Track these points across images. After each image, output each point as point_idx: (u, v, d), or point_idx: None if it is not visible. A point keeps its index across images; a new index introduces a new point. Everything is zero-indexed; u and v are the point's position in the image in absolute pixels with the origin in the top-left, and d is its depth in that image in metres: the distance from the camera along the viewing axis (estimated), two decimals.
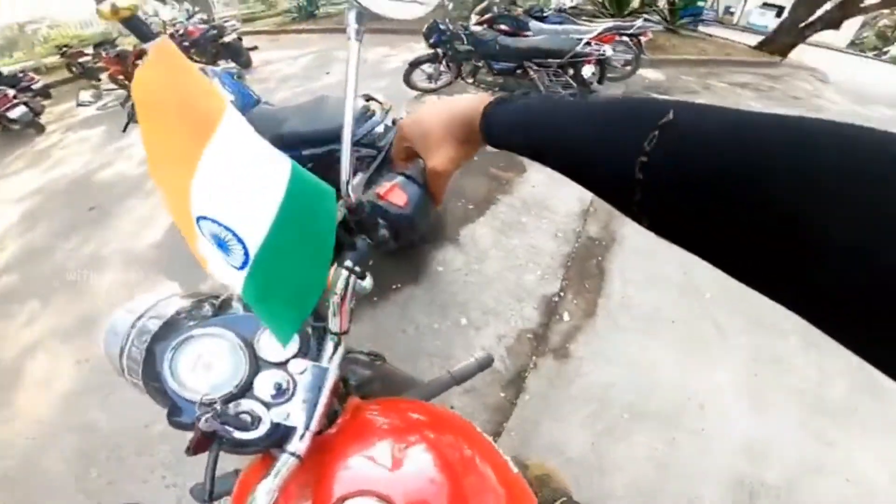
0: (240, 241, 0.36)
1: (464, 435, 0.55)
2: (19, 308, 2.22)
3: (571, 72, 3.48)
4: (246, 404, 0.47)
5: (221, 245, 0.37)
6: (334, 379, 0.49)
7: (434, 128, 0.46)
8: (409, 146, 0.50)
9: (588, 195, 2.87)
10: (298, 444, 0.46)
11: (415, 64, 4.20)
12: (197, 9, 7.64)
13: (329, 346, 0.51)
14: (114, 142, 4.11)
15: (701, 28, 12.56)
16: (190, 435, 0.44)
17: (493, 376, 1.81)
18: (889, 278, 0.16)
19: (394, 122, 1.76)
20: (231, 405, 0.46)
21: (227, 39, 6.21)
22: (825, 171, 0.19)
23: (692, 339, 1.99)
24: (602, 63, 4.23)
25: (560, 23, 5.22)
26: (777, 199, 0.20)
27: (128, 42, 6.25)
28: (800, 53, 10.59)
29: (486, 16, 4.84)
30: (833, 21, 8.69)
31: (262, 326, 0.50)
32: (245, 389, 0.48)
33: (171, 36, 5.89)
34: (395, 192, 0.51)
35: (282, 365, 0.49)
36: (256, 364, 0.49)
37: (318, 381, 0.48)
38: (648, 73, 5.99)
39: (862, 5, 8.53)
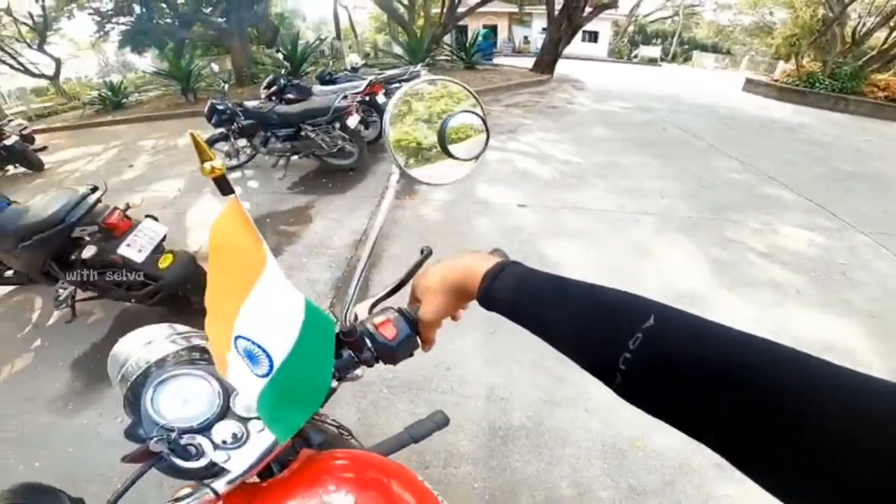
0: (268, 355, 0.45)
1: (405, 484, 0.59)
2: None
3: (338, 125, 4.05)
4: (198, 439, 0.52)
5: (251, 357, 0.46)
6: (284, 444, 0.56)
7: (433, 282, 0.54)
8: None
9: (361, 226, 3.41)
10: (222, 484, 0.51)
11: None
12: None
13: None
14: None
15: (496, 60, 14.83)
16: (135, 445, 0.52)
17: None
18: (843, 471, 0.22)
19: (99, 200, 2.16)
20: (186, 436, 0.52)
21: (7, 142, 5.55)
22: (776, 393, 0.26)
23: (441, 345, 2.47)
24: (379, 111, 4.97)
25: (349, 81, 5.90)
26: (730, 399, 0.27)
27: None
28: (570, 67, 13.04)
29: (273, 88, 5.32)
30: (569, 34, 10.95)
31: None
32: (205, 429, 0.54)
33: None
34: (387, 327, 0.59)
35: (245, 420, 0.55)
36: (224, 413, 0.55)
37: (272, 441, 0.54)
38: None
39: (583, 16, 10.88)
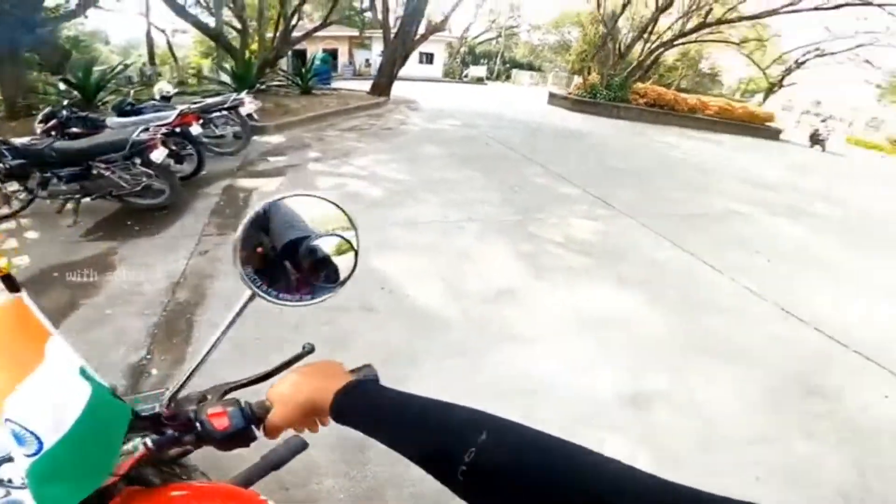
0: (38, 439, 0.45)
1: None
2: None
3: (139, 160, 3.66)
4: None
5: (18, 438, 0.47)
6: None
7: (284, 395, 0.55)
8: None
9: (179, 269, 3.13)
10: None
11: None
12: None
13: None
14: None
15: (335, 84, 14.89)
16: None
17: None
18: None
19: None
20: None
21: None
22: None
23: (278, 347, 2.41)
24: (194, 143, 4.62)
25: (158, 111, 5.32)
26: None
27: None
28: (408, 88, 13.78)
29: (52, 121, 4.54)
30: (402, 57, 11.70)
31: None
32: None
33: None
34: (221, 418, 0.56)
35: (11, 485, 0.52)
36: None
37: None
38: (272, 139, 6.74)
39: (415, 39, 11.73)
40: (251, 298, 0.53)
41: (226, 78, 10.25)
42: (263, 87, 10.08)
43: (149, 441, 0.59)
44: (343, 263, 0.53)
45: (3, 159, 3.55)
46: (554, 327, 2.73)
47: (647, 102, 12.79)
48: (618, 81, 12.98)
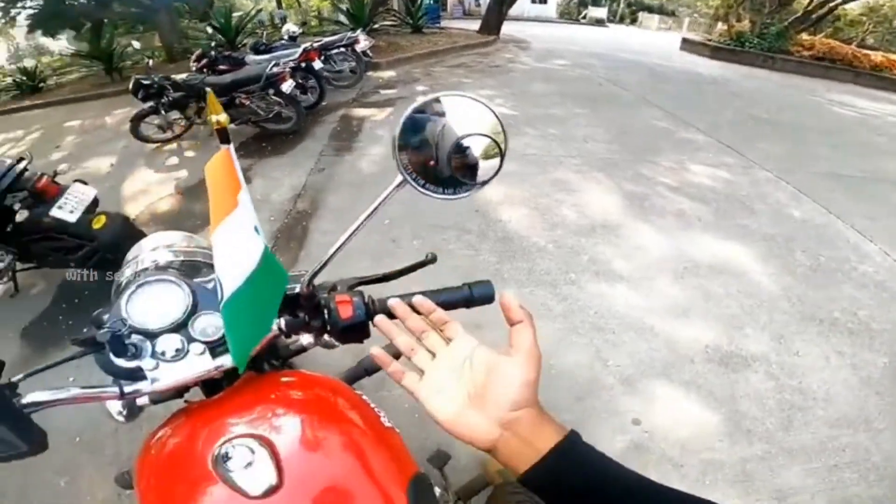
0: (220, 286, 0.49)
1: (341, 395, 0.64)
2: None
3: (272, 91, 4.10)
4: (145, 343, 0.55)
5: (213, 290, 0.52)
6: (209, 373, 0.57)
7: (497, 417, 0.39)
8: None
9: (301, 182, 3.52)
10: (132, 388, 0.54)
11: (137, 119, 4.36)
12: None
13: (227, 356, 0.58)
14: None
15: (444, 23, 14.59)
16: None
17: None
18: None
19: (26, 169, 2.13)
20: (134, 336, 0.55)
21: None
22: None
23: (377, 256, 2.54)
24: (316, 76, 4.99)
25: (286, 49, 5.81)
26: None
27: None
28: (518, 29, 13.05)
29: (203, 61, 5.26)
30: None
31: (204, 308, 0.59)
32: (154, 336, 0.56)
33: None
34: (346, 307, 0.60)
35: (192, 340, 0.57)
36: (179, 327, 0.57)
37: (204, 367, 0.56)
38: (383, 73, 6.97)
39: None
40: (400, 185, 0.54)
41: (343, 18, 10.68)
42: (376, 26, 10.32)
43: (282, 322, 0.63)
44: (486, 164, 0.54)
45: (166, 93, 4.27)
46: (651, 269, 2.55)
47: (812, 56, 10.49)
48: (775, 31, 10.90)
